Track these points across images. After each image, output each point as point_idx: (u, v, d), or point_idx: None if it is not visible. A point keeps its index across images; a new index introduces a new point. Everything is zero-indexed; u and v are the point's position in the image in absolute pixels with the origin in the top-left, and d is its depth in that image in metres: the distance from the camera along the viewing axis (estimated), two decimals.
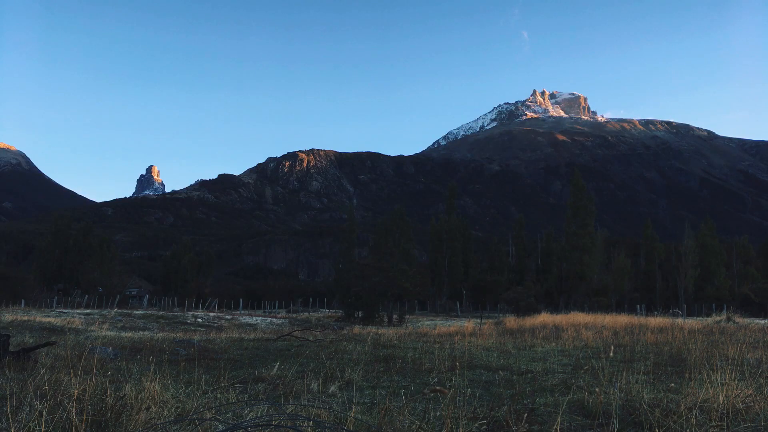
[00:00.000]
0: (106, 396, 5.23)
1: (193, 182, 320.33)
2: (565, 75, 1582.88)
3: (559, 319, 26.74)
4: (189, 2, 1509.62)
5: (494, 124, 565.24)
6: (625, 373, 7.60)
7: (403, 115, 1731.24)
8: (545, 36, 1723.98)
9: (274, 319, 33.35)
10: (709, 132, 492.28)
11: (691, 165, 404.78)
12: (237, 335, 18.89)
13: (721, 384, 6.00)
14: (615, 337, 16.48)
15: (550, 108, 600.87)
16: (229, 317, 33.32)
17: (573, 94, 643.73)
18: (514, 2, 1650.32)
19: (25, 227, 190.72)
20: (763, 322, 28.73)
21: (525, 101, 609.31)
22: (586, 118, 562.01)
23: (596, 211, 68.35)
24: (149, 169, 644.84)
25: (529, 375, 8.69)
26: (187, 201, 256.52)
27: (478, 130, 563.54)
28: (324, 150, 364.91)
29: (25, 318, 22.09)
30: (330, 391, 7.09)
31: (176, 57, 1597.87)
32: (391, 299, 36.78)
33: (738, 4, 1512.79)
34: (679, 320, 26.57)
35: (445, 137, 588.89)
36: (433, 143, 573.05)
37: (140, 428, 4.70)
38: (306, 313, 48.36)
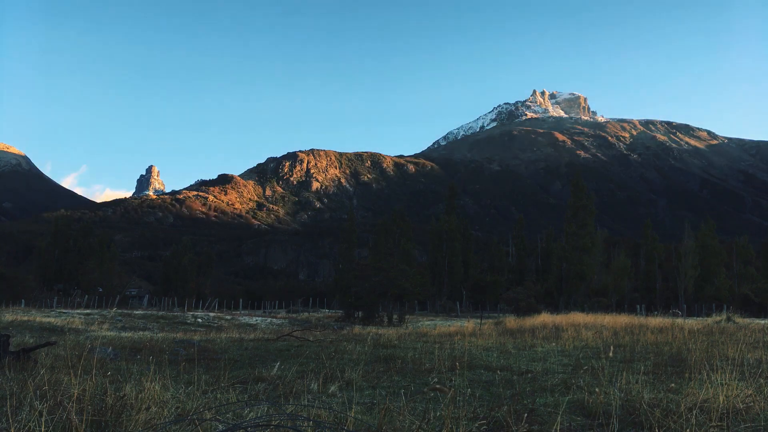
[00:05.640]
0: (106, 396, 5.23)
1: (193, 182, 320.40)
2: (565, 75, 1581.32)
3: (559, 319, 26.73)
4: (189, 2, 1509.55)
5: (494, 124, 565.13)
6: (625, 373, 7.60)
7: (404, 115, 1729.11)
8: (545, 36, 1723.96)
9: (274, 319, 33.35)
10: (709, 132, 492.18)
11: (691, 165, 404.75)
12: (237, 335, 18.89)
13: (721, 384, 6.00)
14: (615, 337, 16.48)
15: (550, 108, 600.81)
16: (229, 317, 33.33)
17: (573, 94, 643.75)
18: (514, 2, 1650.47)
19: (25, 227, 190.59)
20: (763, 322, 28.72)
21: (525, 101, 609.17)
22: (586, 118, 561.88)
23: (596, 211, 68.31)
24: (149, 169, 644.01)
25: (529, 375, 8.68)
26: (187, 201, 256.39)
27: (478, 130, 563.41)
28: (324, 150, 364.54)
29: (25, 318, 22.10)
30: (330, 391, 7.09)
31: (176, 57, 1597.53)
32: (391, 299, 36.77)
33: (738, 4, 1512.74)
34: (679, 320, 26.57)
35: (445, 137, 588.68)
36: (433, 143, 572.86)
37: (140, 428, 4.69)
38: (306, 313, 48.36)
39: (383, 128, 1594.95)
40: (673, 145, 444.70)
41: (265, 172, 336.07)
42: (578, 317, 27.40)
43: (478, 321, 30.44)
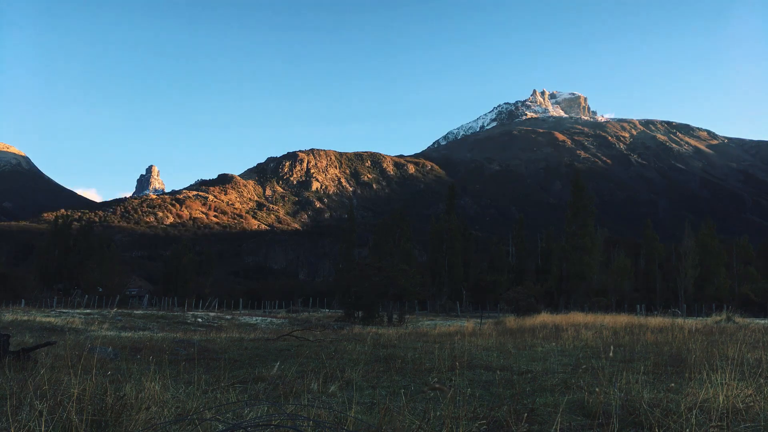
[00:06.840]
0: (106, 396, 5.23)
1: (193, 182, 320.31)
2: (565, 75, 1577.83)
3: (559, 319, 26.74)
4: (189, 2, 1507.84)
5: (494, 124, 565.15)
6: (625, 373, 7.61)
7: (404, 115, 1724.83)
8: (545, 36, 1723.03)
9: (274, 319, 33.36)
10: (709, 132, 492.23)
11: (691, 165, 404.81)
12: (237, 335, 18.88)
13: (721, 384, 6.00)
14: (615, 337, 16.48)
15: (550, 108, 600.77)
16: (229, 317, 33.34)
17: (573, 94, 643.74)
18: (513, 2, 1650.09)
19: (25, 227, 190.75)
20: (763, 322, 28.73)
21: (525, 101, 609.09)
22: (586, 118, 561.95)
23: (596, 211, 68.29)
24: (149, 169, 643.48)
25: (529, 375, 8.68)
26: (187, 201, 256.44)
27: (478, 130, 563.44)
28: (324, 150, 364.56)
29: (25, 318, 22.10)
30: (330, 390, 7.09)
31: (176, 57, 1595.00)
32: (391, 299, 36.76)
33: (738, 4, 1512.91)
34: (679, 320, 26.57)
35: (445, 137, 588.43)
36: (433, 143, 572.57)
37: (140, 428, 4.70)
38: (306, 313, 48.36)
39: (383, 128, 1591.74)
40: (673, 145, 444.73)
41: (265, 171, 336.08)
42: (578, 317, 27.41)
43: (478, 321, 30.46)
